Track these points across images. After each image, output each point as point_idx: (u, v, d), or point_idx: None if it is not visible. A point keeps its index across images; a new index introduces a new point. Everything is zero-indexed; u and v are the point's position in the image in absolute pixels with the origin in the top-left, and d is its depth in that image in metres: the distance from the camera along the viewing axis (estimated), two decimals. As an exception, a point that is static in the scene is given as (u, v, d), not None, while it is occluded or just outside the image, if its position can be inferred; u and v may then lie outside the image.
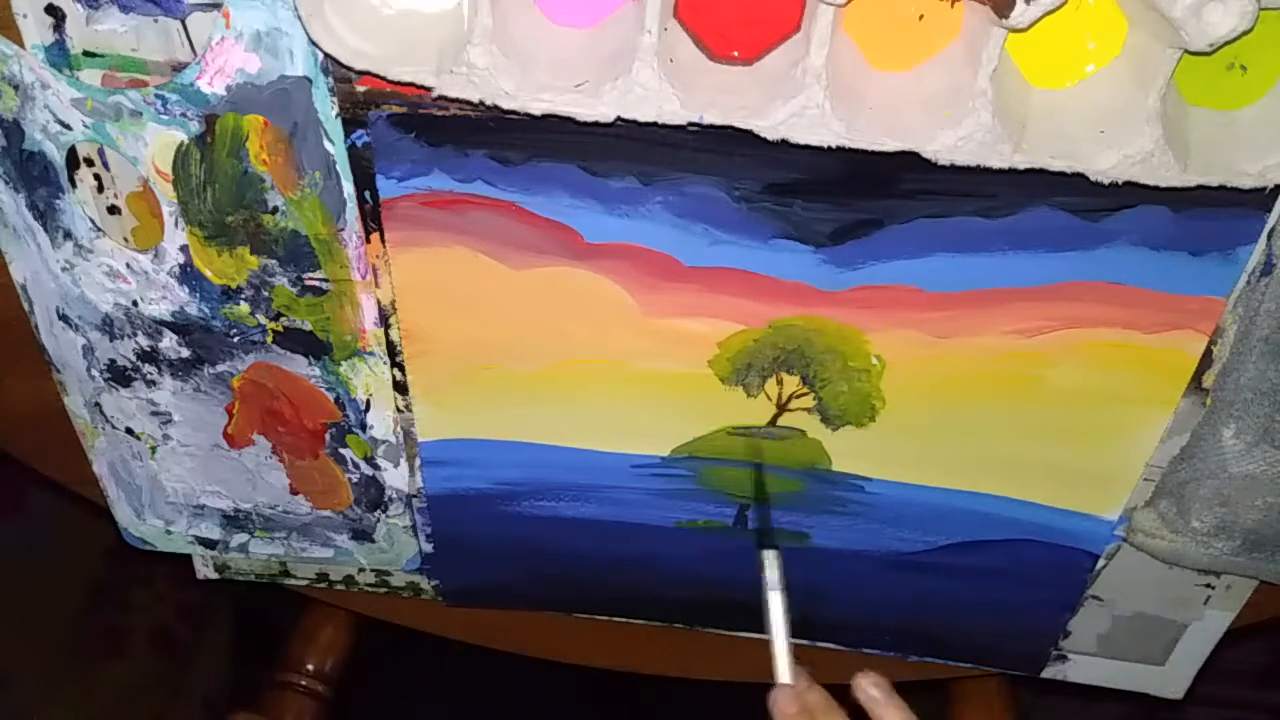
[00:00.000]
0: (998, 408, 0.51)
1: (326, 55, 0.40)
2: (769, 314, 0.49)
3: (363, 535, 0.61)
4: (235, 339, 0.52)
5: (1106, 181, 0.40)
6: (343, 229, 0.47)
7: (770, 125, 0.40)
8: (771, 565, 0.53)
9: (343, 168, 0.45)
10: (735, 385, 0.52)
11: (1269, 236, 0.44)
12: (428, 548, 0.61)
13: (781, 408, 0.52)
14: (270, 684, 0.79)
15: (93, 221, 0.48)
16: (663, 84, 0.39)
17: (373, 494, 0.58)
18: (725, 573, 0.61)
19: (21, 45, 0.43)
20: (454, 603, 0.65)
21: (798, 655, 0.66)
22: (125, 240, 0.49)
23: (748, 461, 0.55)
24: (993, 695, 0.75)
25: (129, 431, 0.57)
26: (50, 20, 0.42)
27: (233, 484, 0.59)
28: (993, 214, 0.45)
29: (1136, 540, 0.55)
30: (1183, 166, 0.40)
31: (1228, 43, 0.36)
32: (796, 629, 0.64)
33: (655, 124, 0.40)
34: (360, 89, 0.43)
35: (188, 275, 0.49)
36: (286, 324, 0.51)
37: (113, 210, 0.48)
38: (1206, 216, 0.43)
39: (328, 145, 0.44)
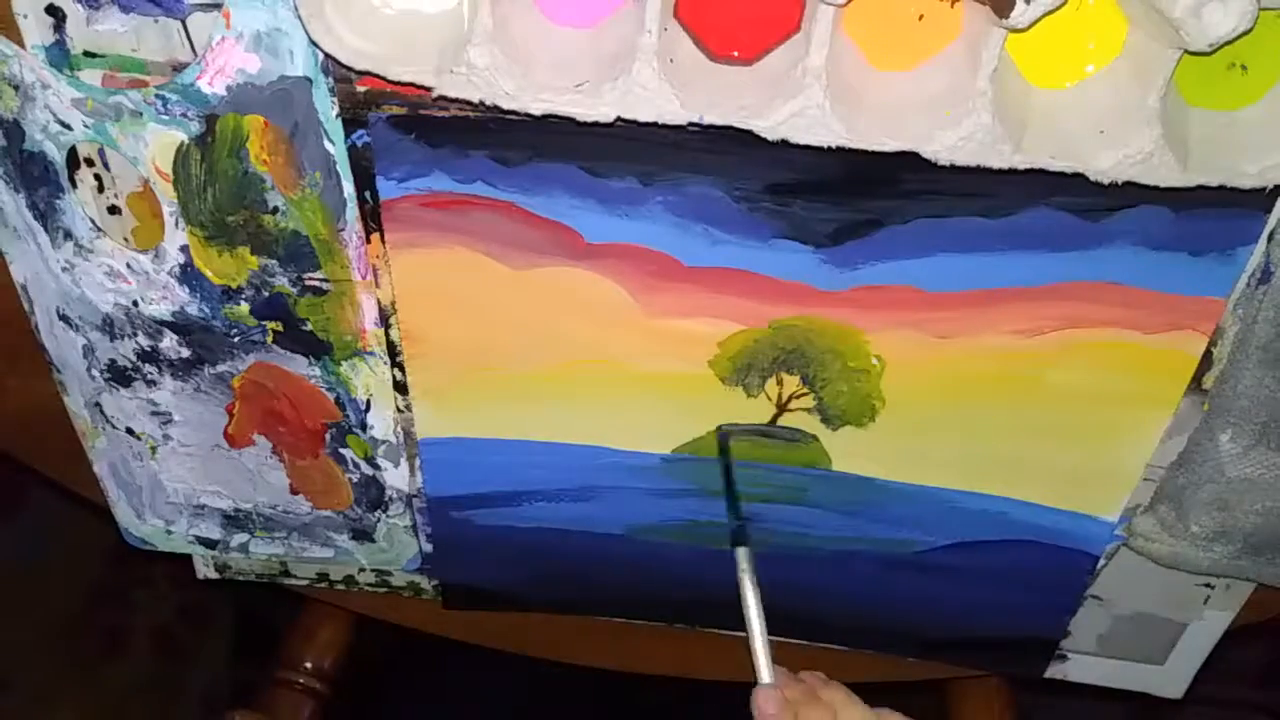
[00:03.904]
0: (998, 408, 0.51)
1: (327, 55, 0.40)
2: (769, 314, 0.49)
3: (363, 535, 0.61)
4: (235, 339, 0.52)
5: (1106, 181, 0.40)
6: (343, 229, 0.47)
7: (770, 125, 0.40)
8: (745, 562, 0.52)
9: (343, 168, 0.45)
10: (735, 385, 0.52)
11: (1269, 239, 0.44)
12: (428, 548, 0.61)
13: (781, 408, 0.52)
14: (269, 682, 0.79)
15: (93, 221, 0.48)
16: (663, 84, 0.39)
17: (373, 494, 0.58)
18: (725, 573, 0.60)
19: (22, 45, 0.43)
20: (454, 604, 0.65)
21: (795, 655, 0.66)
22: (125, 240, 0.49)
23: (748, 461, 0.55)
24: (992, 695, 0.75)
25: (129, 431, 0.57)
26: (51, 20, 0.42)
27: (233, 484, 0.59)
28: (993, 214, 0.45)
29: (1136, 545, 0.55)
30: (1183, 166, 0.40)
31: (1228, 43, 0.36)
32: (798, 629, 0.64)
33: (655, 124, 0.40)
34: (360, 89, 0.43)
35: (188, 275, 0.49)
36: (286, 324, 0.51)
37: (113, 210, 0.48)
38: (1206, 217, 0.43)
39: (328, 145, 0.44)
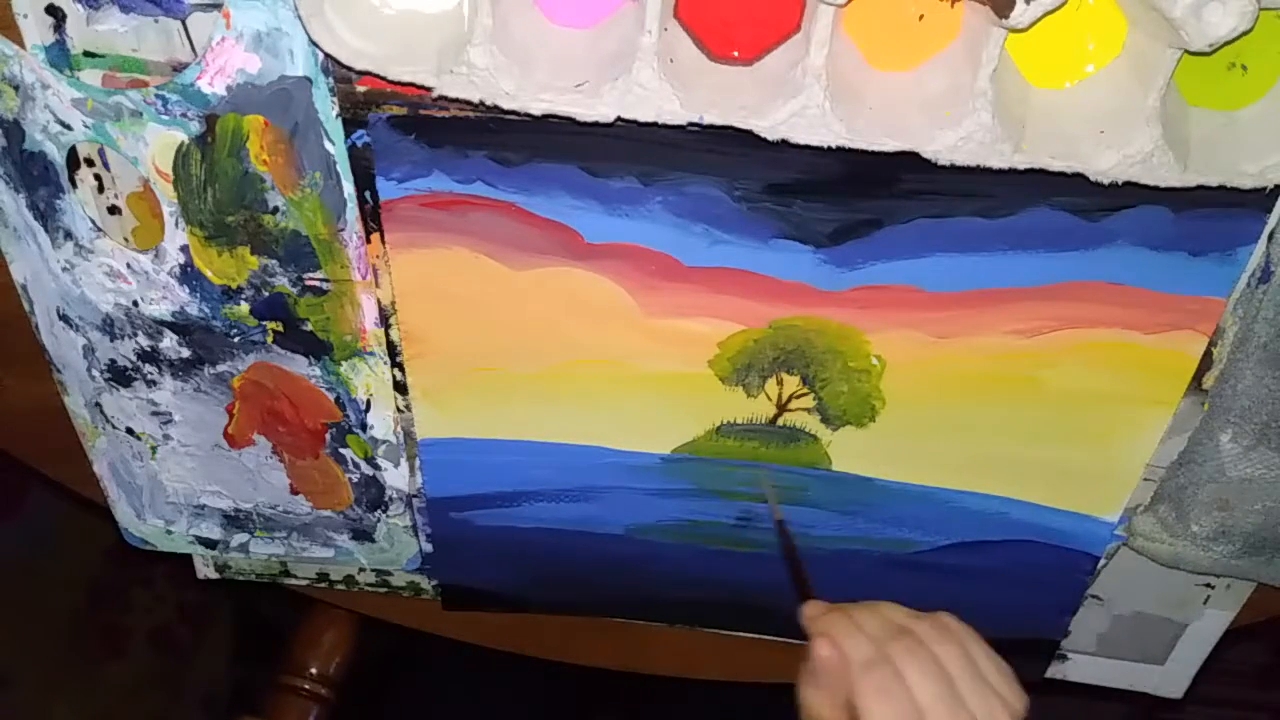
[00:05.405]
0: (998, 408, 0.51)
1: (327, 55, 0.40)
2: (769, 314, 0.49)
3: (363, 535, 0.61)
4: (235, 339, 0.52)
5: (1106, 181, 0.40)
6: (343, 229, 0.47)
7: (770, 125, 0.40)
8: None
9: (343, 168, 0.45)
10: (735, 385, 0.52)
11: (1269, 239, 0.44)
12: (428, 547, 0.61)
13: (781, 408, 0.52)
14: (273, 686, 0.79)
15: (93, 221, 0.48)
16: (663, 84, 0.39)
17: (373, 494, 0.58)
18: (726, 573, 0.61)
19: (22, 45, 0.43)
20: (454, 604, 0.65)
21: (795, 655, 0.66)
22: (125, 240, 0.49)
23: (748, 461, 0.55)
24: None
25: (129, 431, 0.57)
26: (51, 20, 0.42)
27: (233, 484, 0.59)
28: (993, 214, 0.45)
29: (1137, 545, 0.55)
30: (1183, 166, 0.40)
31: (1228, 43, 0.36)
32: (796, 631, 0.64)
33: (655, 124, 0.40)
34: (360, 89, 0.43)
35: (188, 275, 0.49)
36: (286, 324, 0.51)
37: (113, 210, 0.48)
38: (1206, 217, 0.43)
39: (328, 145, 0.44)
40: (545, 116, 0.40)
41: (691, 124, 0.40)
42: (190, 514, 0.61)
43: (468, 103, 0.40)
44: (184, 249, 0.48)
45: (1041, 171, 0.40)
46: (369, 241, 0.47)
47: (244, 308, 0.50)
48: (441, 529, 0.60)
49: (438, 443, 0.56)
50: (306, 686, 0.78)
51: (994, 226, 0.45)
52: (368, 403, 0.54)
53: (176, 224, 0.48)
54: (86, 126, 0.45)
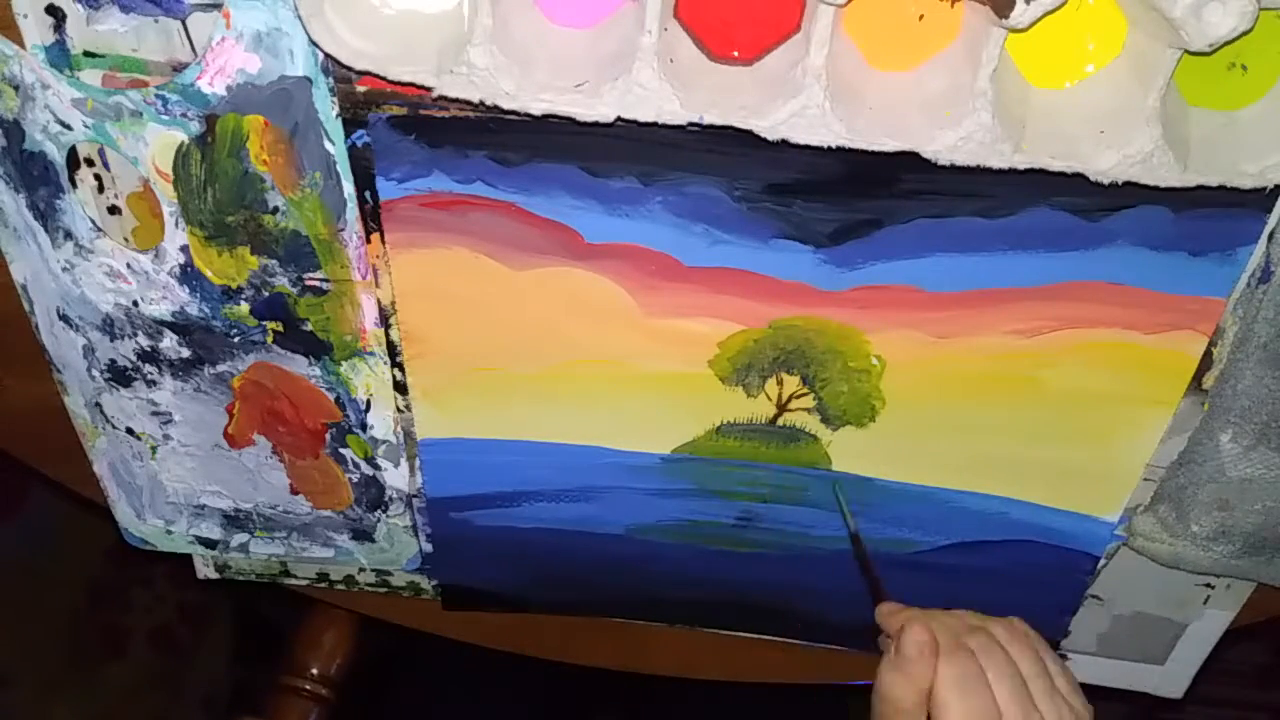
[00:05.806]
0: (998, 408, 0.51)
1: (327, 55, 0.40)
2: (769, 314, 0.49)
3: (363, 535, 0.61)
4: (235, 339, 0.52)
5: (1106, 181, 0.40)
6: (343, 229, 0.47)
7: (770, 125, 0.40)
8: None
9: (343, 168, 0.45)
10: (735, 385, 0.52)
11: (1269, 239, 0.44)
12: (428, 548, 0.61)
13: (781, 408, 0.52)
14: (274, 687, 0.79)
15: (93, 221, 0.48)
16: (663, 84, 0.39)
17: (373, 494, 0.58)
18: (726, 573, 0.61)
19: (22, 45, 0.43)
20: (453, 604, 0.65)
21: (796, 654, 0.66)
22: (125, 240, 0.49)
23: (748, 461, 0.55)
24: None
25: (129, 431, 0.57)
26: (51, 20, 0.42)
27: (233, 484, 0.59)
28: (993, 214, 0.45)
29: (1137, 545, 0.55)
30: (1183, 166, 0.40)
31: (1228, 43, 0.36)
32: (798, 630, 0.64)
33: (655, 124, 0.40)
34: (360, 89, 0.43)
35: (188, 275, 0.49)
36: (286, 324, 0.51)
37: (113, 210, 0.48)
38: (1206, 217, 0.43)
39: (328, 145, 0.44)
40: (545, 116, 0.40)
41: (691, 124, 0.40)
42: (190, 514, 0.61)
43: (468, 103, 0.40)
44: (184, 249, 0.48)
45: (1041, 171, 0.40)
46: (369, 241, 0.47)
47: (244, 308, 0.50)
48: (441, 529, 0.60)
49: (438, 443, 0.56)
50: (307, 687, 0.78)
51: (994, 226, 0.45)
52: (368, 403, 0.54)
53: (176, 224, 0.48)
54: (86, 126, 0.45)
